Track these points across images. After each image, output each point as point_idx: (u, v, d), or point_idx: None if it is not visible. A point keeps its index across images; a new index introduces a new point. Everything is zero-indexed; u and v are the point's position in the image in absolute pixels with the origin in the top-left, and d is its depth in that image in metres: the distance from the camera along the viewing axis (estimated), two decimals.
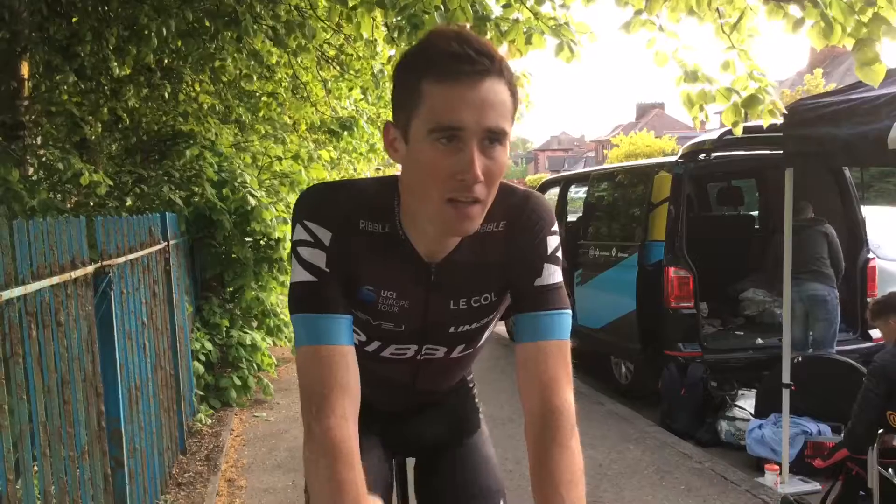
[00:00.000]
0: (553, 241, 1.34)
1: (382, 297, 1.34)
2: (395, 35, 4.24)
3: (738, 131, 3.67)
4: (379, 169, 13.61)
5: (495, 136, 1.14)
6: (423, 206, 1.22)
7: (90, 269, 2.86)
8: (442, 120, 1.12)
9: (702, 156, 5.95)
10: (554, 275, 1.33)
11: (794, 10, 2.89)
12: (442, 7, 3.75)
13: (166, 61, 6.65)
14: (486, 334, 1.50)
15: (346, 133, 7.70)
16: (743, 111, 3.32)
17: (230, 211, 5.92)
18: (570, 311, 1.33)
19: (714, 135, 5.92)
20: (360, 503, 1.13)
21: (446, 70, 1.11)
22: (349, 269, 1.29)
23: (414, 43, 3.96)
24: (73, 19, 5.83)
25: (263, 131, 7.95)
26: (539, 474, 1.21)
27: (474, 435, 1.70)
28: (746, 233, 7.31)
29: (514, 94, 1.18)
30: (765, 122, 3.54)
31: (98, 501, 2.82)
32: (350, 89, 7.79)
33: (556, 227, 1.36)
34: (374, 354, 1.45)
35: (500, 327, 1.43)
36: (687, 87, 3.39)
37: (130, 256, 3.55)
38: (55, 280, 2.45)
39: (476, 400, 1.76)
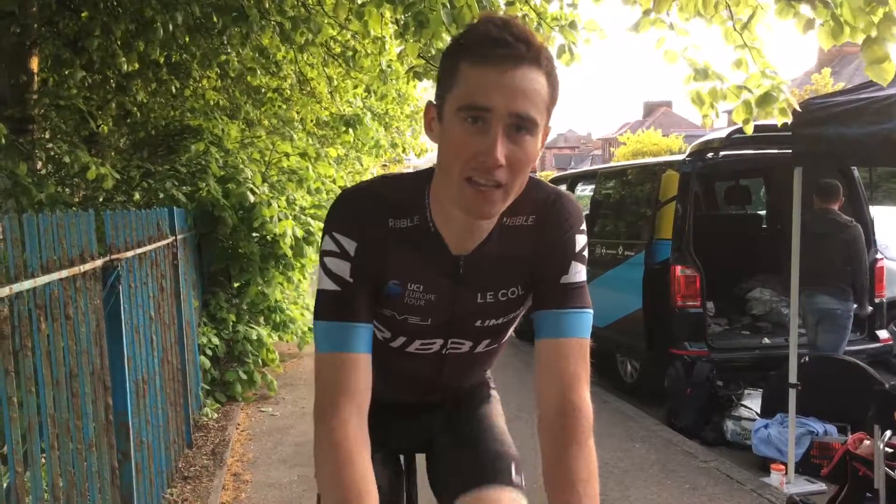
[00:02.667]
0: (581, 240, 1.35)
1: (409, 291, 1.35)
2: (403, 32, 4.24)
3: (749, 129, 3.65)
4: (386, 165, 13.63)
5: (523, 124, 1.14)
6: (446, 185, 1.23)
7: (99, 262, 2.87)
8: (471, 99, 1.14)
9: (710, 154, 5.93)
10: (580, 273, 1.33)
11: (806, 10, 2.87)
12: (448, 4, 3.75)
13: (174, 57, 6.67)
14: (510, 329, 1.50)
15: (350, 130, 7.70)
16: (754, 109, 3.30)
17: (234, 207, 5.92)
18: (591, 311, 1.33)
19: (722, 133, 5.91)
20: (362, 499, 1.15)
21: (482, 52, 1.13)
22: (376, 272, 1.31)
23: (422, 40, 3.96)
24: (83, 14, 5.85)
25: (269, 125, 7.96)
26: (555, 470, 1.21)
27: (484, 405, 1.68)
28: (754, 232, 7.28)
29: (552, 85, 1.18)
30: (779, 120, 3.51)
31: (105, 494, 2.83)
32: (355, 87, 7.79)
33: (583, 227, 1.37)
34: (400, 350, 1.46)
35: None
36: (696, 86, 3.37)
37: (139, 251, 3.56)
38: (64, 273, 2.46)
39: (491, 383, 1.75)
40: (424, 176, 1.34)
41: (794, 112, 3.55)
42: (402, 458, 1.71)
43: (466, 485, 1.47)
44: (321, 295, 1.30)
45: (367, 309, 1.30)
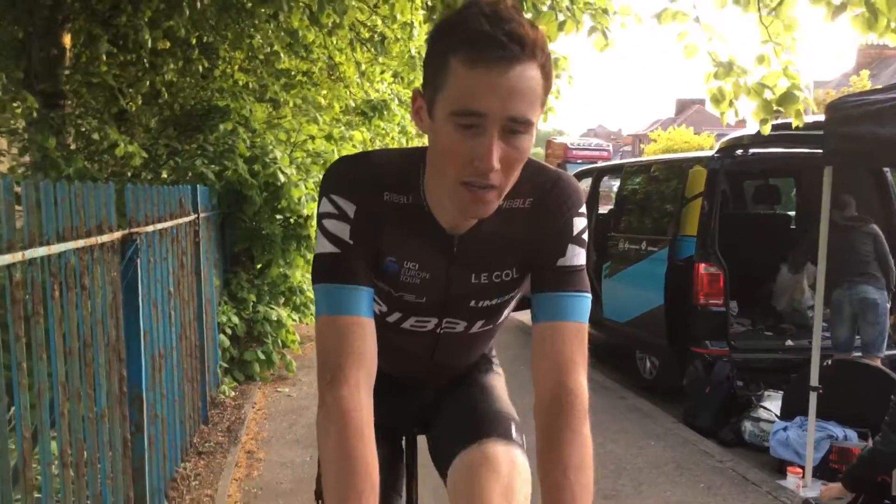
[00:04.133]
0: (579, 223, 1.32)
1: (405, 269, 1.34)
2: (433, 15, 4.21)
3: (766, 130, 3.57)
4: None
5: (518, 126, 1.11)
6: (440, 183, 1.22)
7: (117, 235, 2.89)
8: (465, 104, 1.10)
9: (739, 151, 5.84)
10: (577, 256, 1.30)
11: None
12: None
13: (205, 38, 6.70)
14: (506, 312, 1.49)
15: (376, 115, 7.69)
16: (774, 108, 3.22)
17: (260, 187, 5.95)
18: (590, 295, 1.30)
19: (752, 131, 5.80)
20: (368, 472, 1.12)
21: (474, 53, 1.08)
22: (373, 241, 1.29)
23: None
24: None
25: (293, 104, 7.95)
26: (547, 457, 1.18)
27: (486, 374, 1.67)
28: (782, 232, 7.16)
29: (546, 75, 1.14)
30: (794, 122, 3.44)
31: (116, 464, 2.85)
32: (382, 72, 7.77)
33: (583, 210, 1.33)
34: (395, 325, 1.44)
35: (525, 315, 1.40)
36: (718, 83, 3.30)
37: (159, 226, 3.58)
38: (81, 243, 2.47)
39: (494, 360, 1.73)
40: (416, 154, 1.31)
41: (828, 109, 3.47)
42: (403, 438, 1.69)
43: (465, 441, 1.45)
44: (320, 258, 1.27)
45: (368, 273, 1.28)
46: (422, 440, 1.70)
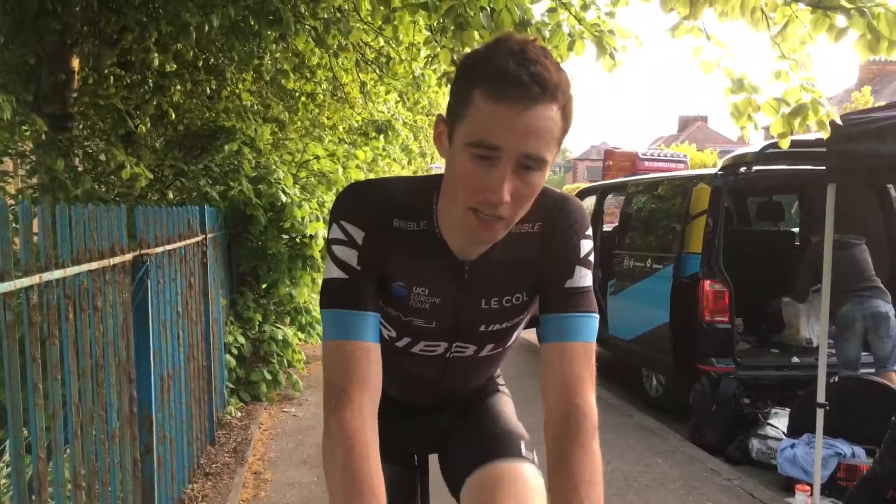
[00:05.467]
0: (586, 245, 1.35)
1: (414, 294, 1.36)
2: (438, 37, 4.25)
3: (786, 144, 3.58)
4: (415, 172, 13.64)
5: (531, 162, 1.15)
6: (451, 208, 1.25)
7: (129, 256, 2.92)
8: (481, 137, 1.13)
9: (742, 169, 5.86)
10: (585, 278, 1.33)
11: (841, 21, 2.83)
12: (487, 8, 3.76)
13: (212, 60, 6.77)
14: (515, 334, 1.51)
15: (380, 136, 7.74)
16: (793, 122, 3.24)
17: (265, 207, 5.98)
18: (597, 315, 1.33)
19: (756, 148, 5.83)
20: (374, 494, 1.14)
21: (497, 89, 1.12)
22: (381, 267, 1.31)
23: (459, 44, 3.96)
24: (123, 14, 5.96)
25: (300, 126, 8.01)
26: (558, 473, 1.20)
27: (493, 396, 1.69)
28: (786, 249, 7.17)
29: (566, 117, 1.17)
30: (823, 134, 3.44)
31: (126, 485, 2.86)
32: (387, 92, 7.83)
33: (589, 232, 1.37)
34: (405, 350, 1.46)
35: (529, 333, 1.42)
36: (735, 98, 3.32)
37: (168, 247, 3.61)
38: (94, 265, 2.50)
39: (499, 381, 1.75)
40: (431, 182, 1.34)
41: (833, 125, 3.49)
42: (415, 458, 1.71)
43: (477, 461, 1.48)
44: (328, 283, 1.30)
45: (375, 299, 1.30)
46: (434, 463, 1.72)
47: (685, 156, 14.44)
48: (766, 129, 3.99)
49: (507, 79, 1.11)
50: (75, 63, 5.98)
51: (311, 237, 6.20)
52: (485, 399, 1.67)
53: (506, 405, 1.68)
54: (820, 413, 4.22)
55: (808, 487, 4.25)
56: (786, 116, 3.34)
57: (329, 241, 1.32)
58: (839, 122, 3.54)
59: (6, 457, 2.33)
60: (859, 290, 5.36)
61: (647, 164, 12.41)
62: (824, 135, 3.51)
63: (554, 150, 1.18)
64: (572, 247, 1.33)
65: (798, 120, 3.19)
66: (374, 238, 1.29)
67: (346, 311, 1.27)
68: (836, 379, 4.74)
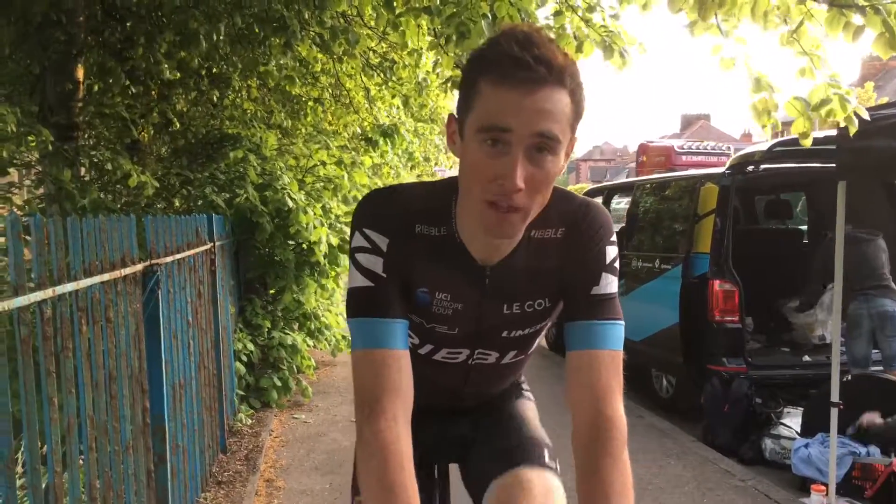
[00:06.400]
0: (612, 251, 1.33)
1: (437, 300, 1.35)
2: (443, 42, 4.25)
3: (808, 143, 3.54)
4: (420, 177, 13.67)
5: (545, 144, 1.12)
6: (468, 204, 1.23)
7: (139, 267, 2.91)
8: (490, 120, 1.12)
9: (750, 167, 5.84)
10: (611, 285, 1.32)
11: (857, 19, 2.80)
12: (490, 16, 3.75)
13: (215, 69, 6.77)
14: (537, 341, 1.49)
15: (386, 140, 7.73)
16: (817, 116, 3.20)
17: (271, 214, 5.98)
18: (623, 322, 1.31)
19: (763, 146, 5.81)
20: None
21: (502, 73, 1.11)
22: (405, 274, 1.30)
23: (461, 51, 3.97)
24: (128, 24, 5.97)
25: (305, 132, 8.02)
26: (589, 484, 1.19)
27: (516, 401, 1.67)
28: (795, 247, 7.15)
29: (577, 102, 1.15)
30: (852, 129, 3.40)
31: (140, 496, 2.85)
32: (393, 97, 7.83)
33: (614, 238, 1.35)
34: (427, 357, 1.45)
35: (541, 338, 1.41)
36: (755, 98, 3.29)
37: (178, 256, 3.61)
38: (106, 277, 2.50)
39: (524, 385, 1.74)
40: (452, 186, 1.32)
41: (856, 120, 3.44)
42: (436, 467, 1.69)
43: (500, 468, 1.46)
44: (354, 292, 1.28)
45: (402, 306, 1.29)
46: (454, 470, 1.70)
47: (728, 147, 12.34)
48: (787, 125, 3.94)
49: (512, 62, 1.10)
50: (80, 73, 5.99)
51: (315, 243, 6.18)
52: (508, 404, 1.66)
53: (529, 410, 1.66)
54: (834, 412, 4.20)
55: (823, 487, 4.22)
56: (806, 114, 3.29)
57: (352, 250, 1.30)
58: (866, 116, 3.46)
59: (18, 467, 2.32)
60: (866, 289, 5.33)
61: (684, 158, 10.86)
62: (852, 131, 3.46)
63: (568, 133, 1.15)
64: (598, 253, 1.32)
65: (823, 112, 3.14)
66: (399, 244, 1.28)
67: (373, 319, 1.25)
68: (850, 377, 4.71)
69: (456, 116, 1.23)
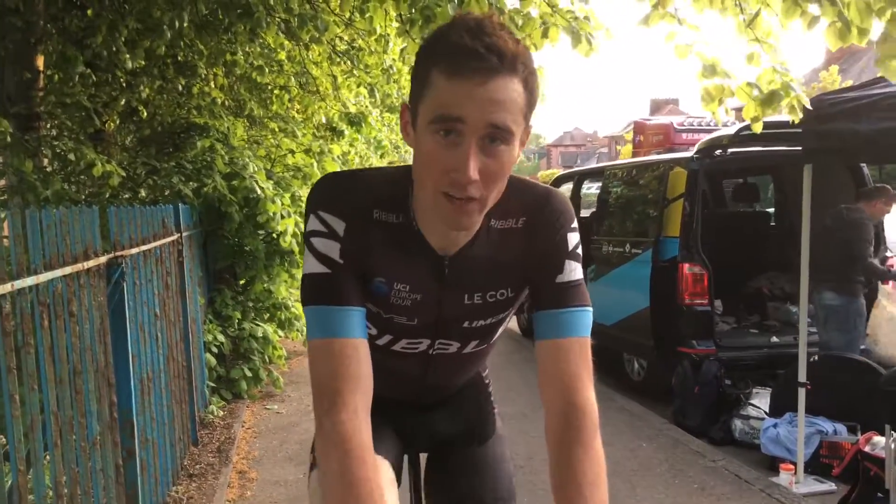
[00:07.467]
0: (574, 238, 1.32)
1: (395, 290, 1.31)
2: (408, 28, 4.21)
3: (758, 128, 3.60)
4: (391, 163, 13.62)
5: (498, 134, 1.10)
6: (422, 194, 1.21)
7: (103, 259, 2.85)
8: (442, 110, 1.09)
9: (718, 151, 5.89)
10: (575, 271, 1.31)
11: (813, 8, 2.83)
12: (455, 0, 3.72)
13: (180, 57, 6.65)
14: (500, 330, 1.47)
15: (353, 128, 7.65)
16: (765, 109, 3.26)
17: (239, 203, 5.91)
18: (590, 309, 1.30)
19: (731, 131, 5.86)
20: (373, 499, 1.10)
21: (453, 64, 1.08)
22: (363, 261, 1.26)
23: (426, 35, 3.94)
24: (88, 11, 5.84)
25: (276, 128, 7.94)
26: (561, 474, 1.18)
27: (488, 441, 1.67)
28: (763, 230, 7.24)
29: (530, 91, 1.13)
30: (792, 118, 3.46)
31: (109, 492, 2.81)
32: (358, 85, 7.75)
33: (575, 224, 1.34)
34: (386, 348, 1.42)
35: (512, 322, 1.40)
36: (707, 83, 3.33)
37: (143, 248, 3.55)
38: (68, 270, 2.44)
39: (492, 399, 1.73)
40: (405, 172, 1.29)
41: (805, 108, 3.51)
42: (406, 457, 1.68)
43: None
44: (310, 278, 1.24)
45: (359, 293, 1.25)
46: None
47: (734, 123, 10.61)
48: (738, 110, 4.00)
49: (464, 52, 1.08)
50: (40, 62, 5.85)
51: (282, 234, 6.12)
52: (480, 444, 1.66)
53: (501, 447, 1.68)
54: (801, 392, 4.27)
55: (792, 466, 4.30)
56: (758, 101, 3.34)
57: (307, 234, 1.26)
58: (809, 106, 3.55)
59: None
60: (813, 281, 5.22)
61: (685, 136, 9.34)
62: (794, 119, 3.53)
63: (521, 123, 1.13)
64: (560, 241, 1.30)
65: (771, 109, 3.20)
66: (356, 229, 1.24)
67: (330, 307, 1.21)
68: (816, 358, 4.79)
69: (409, 106, 1.20)
